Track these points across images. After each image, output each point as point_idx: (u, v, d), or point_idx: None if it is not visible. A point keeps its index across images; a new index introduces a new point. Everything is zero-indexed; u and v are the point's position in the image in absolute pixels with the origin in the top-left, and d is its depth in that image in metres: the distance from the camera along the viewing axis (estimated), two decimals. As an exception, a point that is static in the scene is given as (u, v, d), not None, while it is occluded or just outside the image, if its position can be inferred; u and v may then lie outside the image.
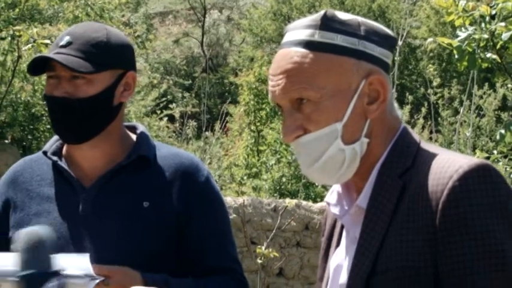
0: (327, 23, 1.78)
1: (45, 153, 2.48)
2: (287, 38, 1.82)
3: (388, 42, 1.83)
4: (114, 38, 2.43)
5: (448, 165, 1.69)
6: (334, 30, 1.77)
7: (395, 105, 1.86)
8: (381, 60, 1.80)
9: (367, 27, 1.81)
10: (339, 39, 1.77)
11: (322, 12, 1.80)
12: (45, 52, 2.41)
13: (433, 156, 1.74)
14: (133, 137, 2.50)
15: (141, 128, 2.53)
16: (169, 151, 2.50)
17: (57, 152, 2.48)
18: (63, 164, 2.44)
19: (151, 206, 2.37)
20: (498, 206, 1.65)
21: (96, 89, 2.36)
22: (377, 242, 1.72)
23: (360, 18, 1.82)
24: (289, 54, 1.79)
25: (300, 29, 1.79)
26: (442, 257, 1.65)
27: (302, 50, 1.77)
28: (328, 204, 1.89)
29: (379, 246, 1.71)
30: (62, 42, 2.37)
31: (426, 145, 1.82)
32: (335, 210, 1.88)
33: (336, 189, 1.88)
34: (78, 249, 2.33)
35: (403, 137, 1.80)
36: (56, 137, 2.52)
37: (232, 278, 2.45)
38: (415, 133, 1.85)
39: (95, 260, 2.27)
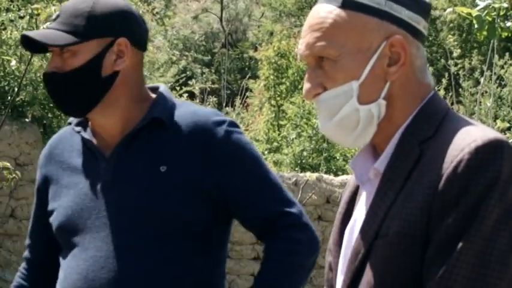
0: None
1: (69, 124, 2.50)
2: None
3: (419, 6, 1.80)
4: (100, 6, 2.38)
5: (463, 137, 1.66)
6: None
7: (429, 73, 1.84)
8: (407, 23, 1.78)
9: None
10: None
11: None
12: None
13: (455, 127, 1.72)
14: (151, 99, 2.46)
15: (161, 88, 2.48)
16: (187, 110, 2.43)
17: (82, 122, 2.47)
18: (86, 134, 2.43)
19: (169, 170, 2.34)
20: (499, 187, 1.61)
21: (80, 61, 2.34)
22: (386, 207, 1.71)
23: None
24: (317, 10, 1.79)
25: None
26: (433, 225, 1.63)
27: (330, 6, 1.77)
28: (352, 167, 1.89)
29: (387, 211, 1.70)
30: (53, 17, 2.39)
31: (453, 114, 1.79)
32: (358, 174, 1.87)
33: (361, 153, 1.86)
34: (99, 220, 2.35)
35: (430, 104, 1.78)
36: None
37: (285, 234, 2.39)
38: (445, 102, 1.82)
39: (116, 228, 2.32)
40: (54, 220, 2.44)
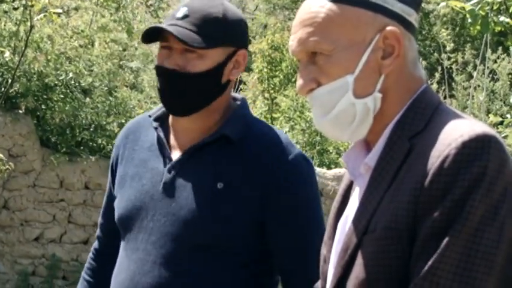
0: None
1: (150, 116, 2.50)
2: None
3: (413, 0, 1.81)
4: (230, 14, 2.39)
5: (451, 132, 1.66)
6: None
7: (420, 66, 1.84)
8: (400, 16, 1.77)
9: None
10: None
11: None
12: (158, 23, 2.43)
13: (445, 121, 1.71)
14: (234, 108, 2.46)
15: (240, 101, 2.48)
16: (260, 130, 2.42)
17: (162, 117, 2.49)
18: (160, 132, 2.45)
19: (225, 188, 2.32)
20: (485, 182, 1.60)
21: (207, 65, 2.34)
22: (375, 202, 1.71)
23: None
24: (309, 4, 1.78)
25: None
26: (419, 220, 1.63)
27: (321, 1, 1.76)
28: (345, 161, 1.88)
29: (376, 206, 1.71)
30: (179, 15, 2.35)
31: (444, 108, 1.78)
32: (350, 169, 1.87)
33: (354, 147, 1.86)
34: (153, 223, 2.37)
35: (421, 98, 1.77)
36: None
37: None
38: (437, 96, 1.82)
39: (166, 235, 2.33)
40: (117, 208, 2.49)
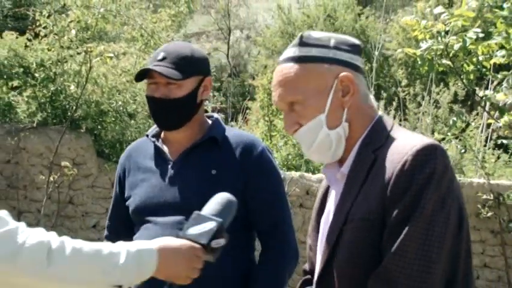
0: (304, 41, 1.79)
1: (147, 136, 2.59)
2: (280, 57, 1.83)
3: (355, 48, 1.82)
4: (197, 53, 2.46)
5: (406, 144, 1.68)
6: (309, 45, 1.78)
7: (371, 97, 1.85)
8: (349, 62, 1.79)
9: (337, 40, 1.80)
10: (314, 51, 1.77)
11: (300, 34, 1.81)
12: (146, 65, 2.53)
13: (399, 137, 1.74)
14: (209, 122, 2.56)
15: (216, 116, 2.59)
16: (234, 133, 2.53)
17: (156, 135, 2.58)
18: (159, 144, 2.53)
19: (218, 173, 2.40)
20: (434, 180, 1.61)
21: (184, 92, 2.40)
22: (351, 199, 1.72)
23: (331, 34, 1.82)
24: (280, 69, 1.80)
25: (287, 49, 1.81)
26: (387, 211, 1.64)
27: (288, 64, 1.78)
28: (324, 173, 1.89)
29: (353, 202, 1.71)
30: (159, 57, 2.41)
31: (398, 129, 1.80)
32: (328, 177, 1.88)
33: (331, 163, 1.87)
34: (165, 206, 2.42)
35: (379, 121, 1.79)
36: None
37: (274, 246, 2.44)
38: (390, 120, 1.83)
39: (175, 211, 2.39)
40: (131, 203, 2.52)
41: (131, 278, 1.72)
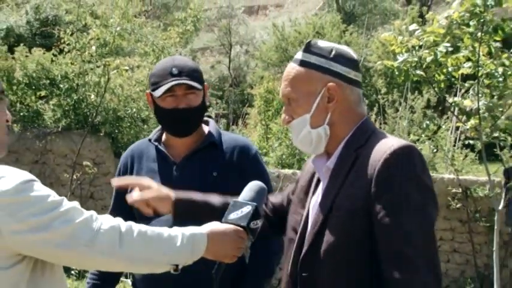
0: (309, 48, 1.80)
1: (150, 139, 2.50)
2: (294, 57, 1.84)
3: (351, 63, 1.82)
4: (198, 65, 2.46)
5: (385, 144, 1.68)
6: (311, 52, 1.79)
7: (363, 104, 1.86)
8: (342, 74, 1.79)
9: (337, 52, 1.80)
10: (313, 59, 1.78)
11: (308, 40, 1.83)
12: (162, 81, 2.41)
13: (379, 138, 1.74)
14: (206, 128, 2.50)
15: (211, 122, 2.54)
16: (230, 137, 2.49)
17: (158, 139, 2.50)
18: (161, 147, 2.46)
19: (219, 175, 2.37)
20: (414, 176, 1.62)
21: (200, 99, 2.39)
22: (335, 191, 1.72)
23: (335, 45, 1.82)
24: (288, 66, 1.83)
25: (298, 52, 1.83)
26: (372, 205, 1.63)
27: (293, 65, 1.81)
28: (313, 163, 1.90)
29: (336, 194, 1.71)
30: (175, 72, 2.35)
31: (378, 131, 1.80)
32: (317, 169, 1.87)
33: (319, 155, 1.87)
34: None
35: (362, 125, 1.80)
36: (157, 129, 2.53)
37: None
38: (373, 124, 1.84)
39: None
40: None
41: (186, 258, 1.76)
